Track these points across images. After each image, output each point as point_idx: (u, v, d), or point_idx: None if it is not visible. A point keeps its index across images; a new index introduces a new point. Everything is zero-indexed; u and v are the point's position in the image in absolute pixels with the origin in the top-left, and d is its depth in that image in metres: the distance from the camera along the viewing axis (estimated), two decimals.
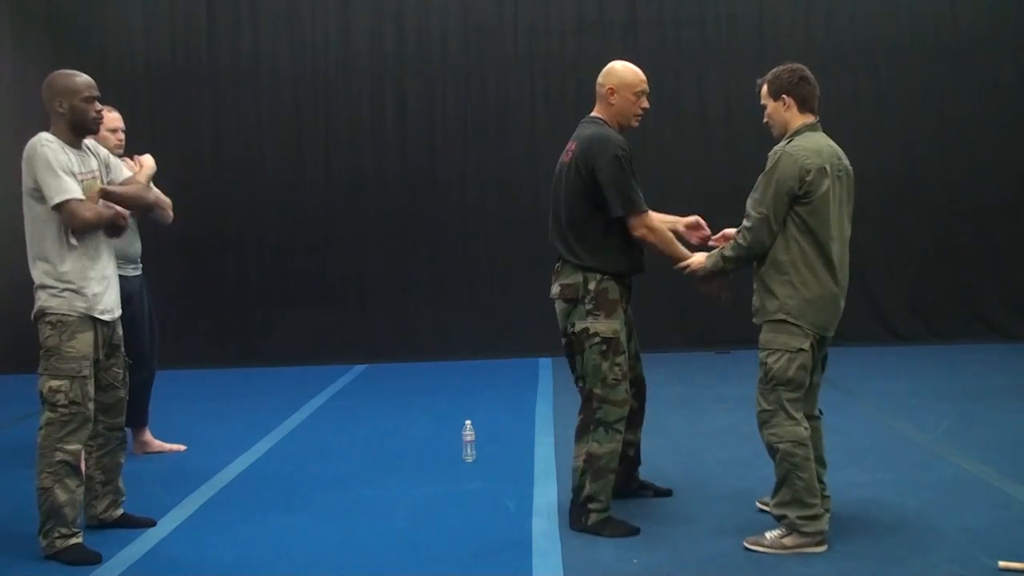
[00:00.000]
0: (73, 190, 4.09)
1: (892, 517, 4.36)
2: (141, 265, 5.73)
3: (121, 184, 4.39)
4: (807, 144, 4.02)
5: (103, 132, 5.54)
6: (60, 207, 4.07)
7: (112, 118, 5.60)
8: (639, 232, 4.30)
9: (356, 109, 9.29)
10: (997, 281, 9.15)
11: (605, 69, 4.46)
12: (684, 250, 4.36)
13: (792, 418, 3.99)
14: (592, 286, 4.29)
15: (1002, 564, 3.72)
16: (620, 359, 4.27)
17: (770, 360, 4.00)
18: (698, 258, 4.28)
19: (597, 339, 4.26)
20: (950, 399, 6.77)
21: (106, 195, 4.26)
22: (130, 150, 5.78)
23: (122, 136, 5.64)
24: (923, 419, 6.18)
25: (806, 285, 3.99)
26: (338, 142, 9.28)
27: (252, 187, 9.22)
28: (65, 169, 4.11)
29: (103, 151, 4.45)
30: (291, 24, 9.26)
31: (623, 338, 4.31)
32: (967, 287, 9.15)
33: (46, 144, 4.12)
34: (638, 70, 4.44)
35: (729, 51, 9.10)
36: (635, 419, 4.60)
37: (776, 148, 4.08)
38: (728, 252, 4.13)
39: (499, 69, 9.26)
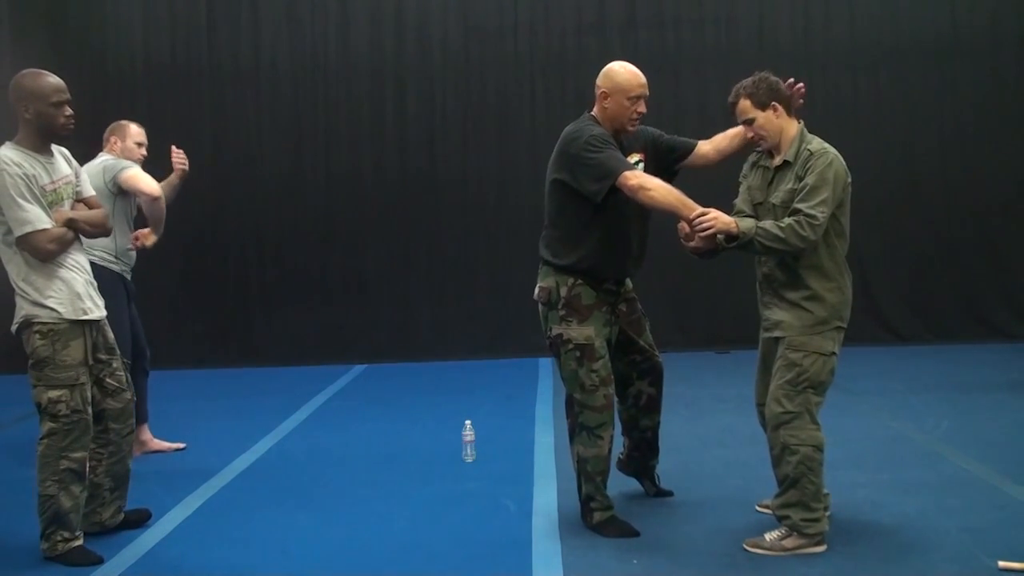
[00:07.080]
0: (34, 220, 3.95)
1: (892, 517, 4.36)
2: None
3: (85, 202, 4.24)
4: (829, 146, 4.00)
5: (130, 144, 5.63)
6: (22, 240, 3.96)
7: (139, 132, 5.71)
8: (636, 195, 3.98)
9: (356, 109, 9.28)
10: (997, 281, 9.15)
11: (603, 70, 4.32)
12: (692, 203, 3.96)
13: (815, 423, 3.98)
14: (564, 291, 4.25)
15: (1002, 564, 3.72)
16: (597, 365, 4.21)
17: (806, 362, 3.94)
18: (720, 215, 3.91)
19: (571, 345, 4.23)
20: (950, 399, 6.77)
21: (70, 223, 4.10)
22: None
23: (145, 152, 5.72)
24: (923, 419, 6.18)
25: (847, 287, 4.03)
26: (338, 142, 9.28)
27: (252, 187, 9.22)
28: (28, 192, 3.96)
29: (76, 163, 4.31)
30: (291, 24, 9.25)
31: (599, 344, 4.24)
32: (967, 287, 9.15)
33: (5, 168, 3.94)
34: (637, 73, 4.26)
35: (729, 51, 9.09)
36: (652, 405, 4.59)
37: (816, 148, 3.95)
38: (772, 230, 3.84)
39: (499, 69, 9.25)
